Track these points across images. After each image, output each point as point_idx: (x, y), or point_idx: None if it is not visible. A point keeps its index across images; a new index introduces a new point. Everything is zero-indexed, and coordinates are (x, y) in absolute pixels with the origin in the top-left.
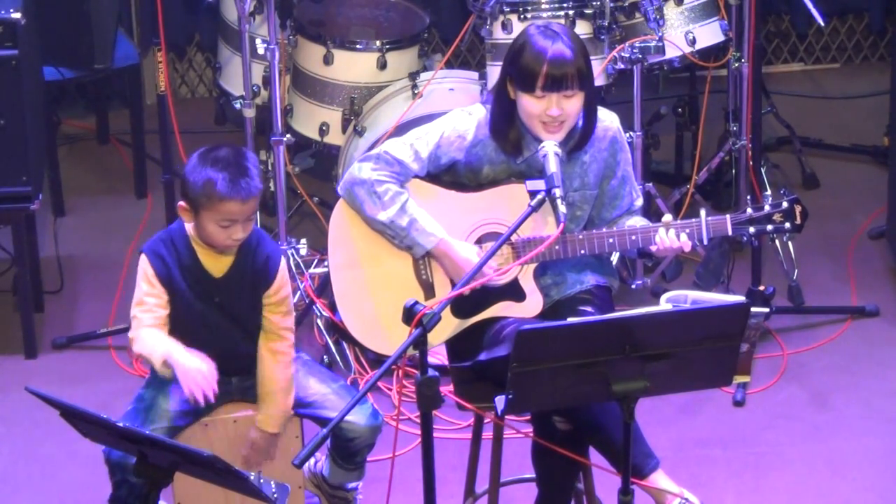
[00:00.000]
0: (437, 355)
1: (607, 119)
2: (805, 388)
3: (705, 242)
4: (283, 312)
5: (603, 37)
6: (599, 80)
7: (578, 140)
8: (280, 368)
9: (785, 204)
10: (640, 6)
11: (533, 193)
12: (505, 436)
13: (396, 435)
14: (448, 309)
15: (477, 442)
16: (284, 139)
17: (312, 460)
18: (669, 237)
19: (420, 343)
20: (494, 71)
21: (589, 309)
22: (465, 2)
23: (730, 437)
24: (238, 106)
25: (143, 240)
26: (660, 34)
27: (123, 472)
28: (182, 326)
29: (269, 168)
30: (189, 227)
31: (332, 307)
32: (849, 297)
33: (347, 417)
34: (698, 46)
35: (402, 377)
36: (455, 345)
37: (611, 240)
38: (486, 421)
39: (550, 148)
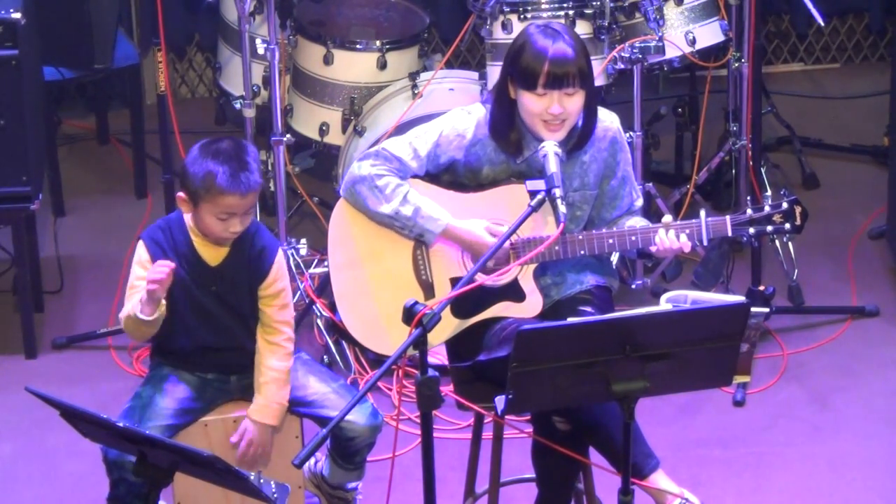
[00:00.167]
0: (437, 355)
1: (607, 119)
2: (805, 388)
3: (705, 243)
4: (278, 306)
5: (603, 37)
6: (599, 80)
7: (578, 140)
8: (275, 359)
9: (785, 204)
10: (640, 6)
11: (533, 193)
12: (505, 436)
13: (396, 435)
14: (448, 309)
15: (477, 442)
16: (284, 139)
17: (312, 460)
18: (669, 238)
19: (420, 343)
20: (494, 71)
21: (589, 309)
22: (465, 2)
23: (730, 437)
24: (238, 106)
25: None
26: (660, 34)
27: (121, 471)
28: (181, 318)
29: (269, 168)
30: (187, 217)
31: (332, 307)
32: (849, 297)
33: (347, 416)
34: (698, 46)
35: (402, 377)
36: (455, 345)
37: (610, 240)
38: (486, 421)
39: (550, 148)
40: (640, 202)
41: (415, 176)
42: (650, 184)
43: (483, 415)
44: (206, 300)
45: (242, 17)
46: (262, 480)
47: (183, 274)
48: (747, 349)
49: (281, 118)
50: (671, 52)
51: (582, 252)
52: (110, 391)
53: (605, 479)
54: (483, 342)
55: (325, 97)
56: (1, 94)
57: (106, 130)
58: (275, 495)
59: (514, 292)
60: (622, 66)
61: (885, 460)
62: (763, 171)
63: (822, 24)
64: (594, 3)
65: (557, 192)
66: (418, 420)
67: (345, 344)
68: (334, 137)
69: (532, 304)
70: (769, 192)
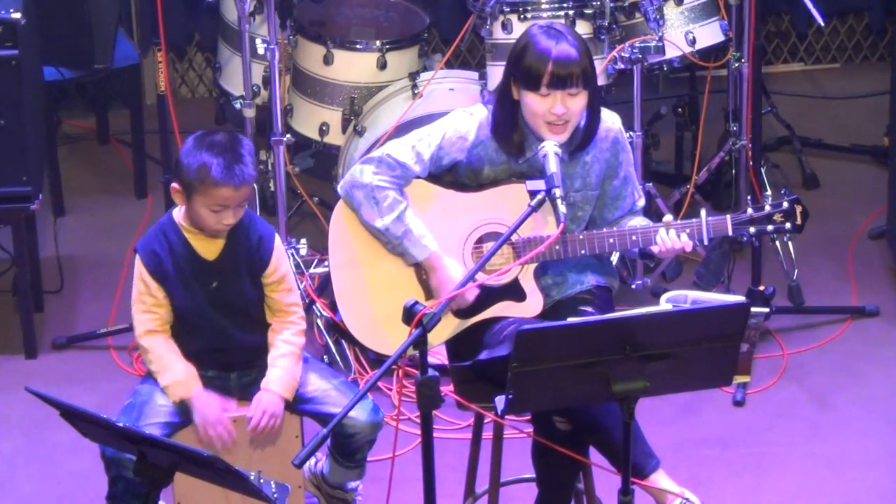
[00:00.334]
0: (437, 355)
1: (609, 120)
2: (805, 388)
3: (706, 242)
4: (285, 290)
5: (603, 37)
6: (600, 80)
7: (581, 140)
8: (290, 333)
9: (785, 204)
10: (640, 6)
11: (533, 193)
12: (505, 436)
13: (396, 435)
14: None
15: (477, 442)
16: (284, 139)
17: (312, 460)
18: (670, 237)
19: (420, 343)
20: (494, 71)
21: (589, 309)
22: (465, 2)
23: (730, 437)
24: (238, 106)
25: None
26: (660, 34)
27: (119, 468)
28: (183, 319)
29: (269, 168)
30: (178, 213)
31: (333, 307)
32: (849, 297)
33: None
34: (698, 46)
35: (402, 377)
36: (455, 345)
37: (611, 240)
38: (486, 421)
39: (550, 148)
40: (641, 202)
41: (416, 177)
42: (650, 184)
43: (483, 415)
44: (207, 298)
45: (242, 17)
46: (262, 480)
47: (181, 274)
48: (747, 349)
49: (281, 118)
50: (671, 52)
51: (583, 252)
52: (110, 391)
53: (605, 479)
54: (483, 342)
55: (325, 97)
56: (1, 94)
57: (106, 130)
58: (275, 495)
59: (514, 292)
60: (622, 66)
61: (885, 460)
62: (763, 171)
63: (822, 24)
64: (594, 3)
65: (557, 191)
66: (418, 420)
67: (345, 344)
68: (334, 137)
69: (532, 304)
70: (769, 192)
